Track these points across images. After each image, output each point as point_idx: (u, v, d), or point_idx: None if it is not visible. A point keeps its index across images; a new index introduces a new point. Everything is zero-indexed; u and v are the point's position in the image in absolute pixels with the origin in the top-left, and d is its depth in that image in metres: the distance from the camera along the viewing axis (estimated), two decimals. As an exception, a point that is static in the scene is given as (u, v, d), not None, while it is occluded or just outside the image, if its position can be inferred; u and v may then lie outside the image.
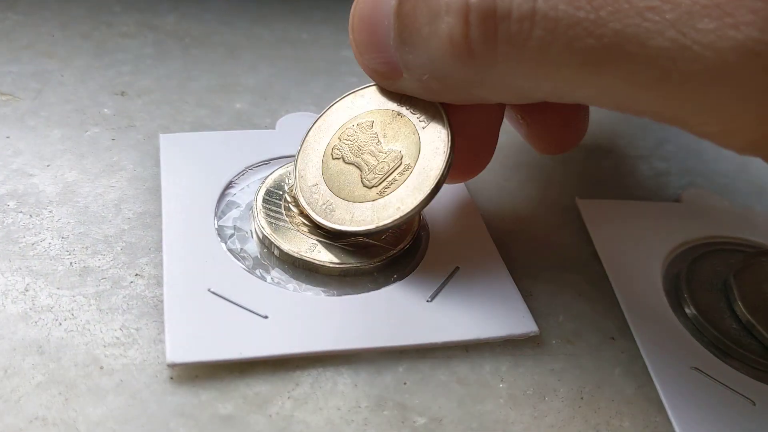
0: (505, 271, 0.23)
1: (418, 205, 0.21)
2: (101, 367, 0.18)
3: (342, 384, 0.19)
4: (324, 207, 0.21)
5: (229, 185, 0.24)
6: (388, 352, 0.20)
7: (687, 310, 0.23)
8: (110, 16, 0.33)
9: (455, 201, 0.25)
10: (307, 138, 0.23)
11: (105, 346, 0.19)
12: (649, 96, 0.16)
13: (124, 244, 0.22)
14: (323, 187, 0.22)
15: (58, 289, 0.20)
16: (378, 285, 0.22)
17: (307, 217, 0.22)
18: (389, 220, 0.21)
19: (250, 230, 0.23)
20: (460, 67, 0.18)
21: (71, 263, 0.21)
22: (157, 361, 0.19)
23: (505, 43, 0.17)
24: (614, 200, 0.27)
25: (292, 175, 0.23)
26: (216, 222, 0.22)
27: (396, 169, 0.21)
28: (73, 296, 0.20)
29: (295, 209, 0.23)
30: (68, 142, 0.25)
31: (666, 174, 0.30)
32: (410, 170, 0.21)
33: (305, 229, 0.22)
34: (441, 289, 0.22)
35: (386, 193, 0.21)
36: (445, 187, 0.25)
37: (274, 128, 0.28)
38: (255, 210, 0.23)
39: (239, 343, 0.19)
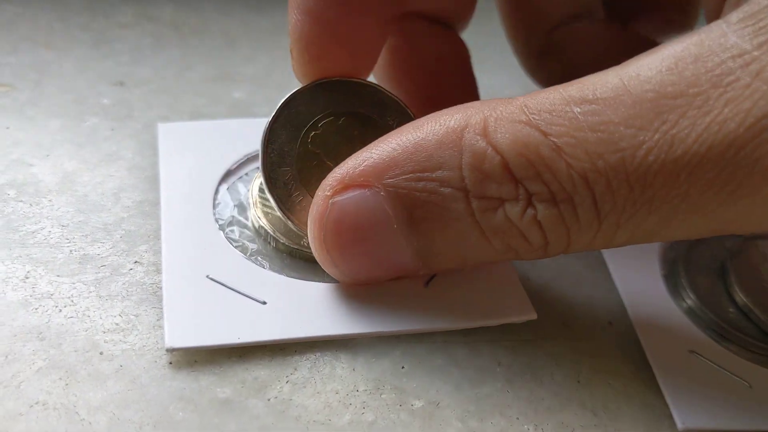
0: None
1: None
2: (101, 353, 0.19)
3: (340, 368, 0.19)
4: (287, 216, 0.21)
5: (228, 174, 0.24)
6: (386, 337, 0.20)
7: (684, 294, 0.23)
8: (108, 7, 0.33)
9: None
10: (272, 138, 0.21)
11: (105, 332, 0.19)
12: None
13: (123, 232, 0.22)
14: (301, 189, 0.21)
15: (58, 276, 0.20)
16: (375, 270, 0.22)
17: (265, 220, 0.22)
18: None
19: (248, 220, 0.23)
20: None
21: (71, 251, 0.21)
22: (157, 346, 0.19)
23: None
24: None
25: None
26: (215, 210, 0.23)
27: None
28: (73, 283, 0.20)
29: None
30: (67, 132, 0.26)
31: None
32: None
33: None
34: (437, 275, 0.22)
35: None
36: None
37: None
38: (251, 200, 0.23)
39: (237, 328, 0.19)
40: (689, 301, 0.23)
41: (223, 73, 0.30)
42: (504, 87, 0.33)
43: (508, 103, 0.18)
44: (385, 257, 0.19)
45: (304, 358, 0.19)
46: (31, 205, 0.22)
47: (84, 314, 0.19)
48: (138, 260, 0.21)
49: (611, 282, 0.23)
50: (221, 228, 0.22)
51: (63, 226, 0.22)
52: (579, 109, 0.16)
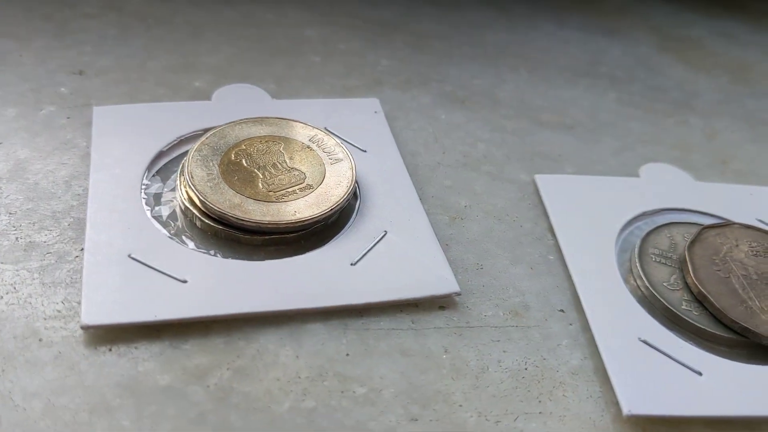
0: (432, 235, 0.23)
1: (313, 217, 0.22)
2: (40, 339, 0.18)
3: (284, 356, 0.19)
4: (211, 186, 0.22)
5: (159, 155, 0.24)
6: (333, 325, 0.20)
7: (639, 283, 0.23)
8: (74, -3, 0.33)
9: (386, 167, 0.25)
10: (204, 139, 0.24)
11: (45, 319, 0.19)
12: None
13: (71, 219, 0.22)
14: (217, 176, 0.22)
15: (1, 263, 0.20)
16: (302, 251, 0.22)
17: (191, 200, 0.22)
18: (281, 220, 0.21)
19: (175, 200, 0.23)
20: None
21: (17, 238, 0.21)
22: (98, 333, 0.19)
23: None
24: (572, 175, 0.27)
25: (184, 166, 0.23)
26: (143, 191, 0.23)
27: (297, 185, 0.23)
28: (17, 270, 0.20)
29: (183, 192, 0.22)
30: (22, 120, 0.25)
31: (626, 149, 0.30)
32: (311, 190, 0.23)
33: None
34: (366, 254, 0.22)
35: (283, 200, 0.22)
36: (378, 154, 0.26)
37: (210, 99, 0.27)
38: (179, 180, 0.23)
39: (155, 306, 0.19)
40: (644, 290, 0.23)
41: (186, 62, 0.30)
42: (473, 77, 0.32)
43: None
44: None
45: (249, 346, 0.19)
46: (-20, 193, 0.22)
47: (26, 301, 0.19)
48: (85, 247, 0.21)
49: (566, 271, 0.23)
50: (149, 207, 0.22)
51: (11, 213, 0.22)
52: None
